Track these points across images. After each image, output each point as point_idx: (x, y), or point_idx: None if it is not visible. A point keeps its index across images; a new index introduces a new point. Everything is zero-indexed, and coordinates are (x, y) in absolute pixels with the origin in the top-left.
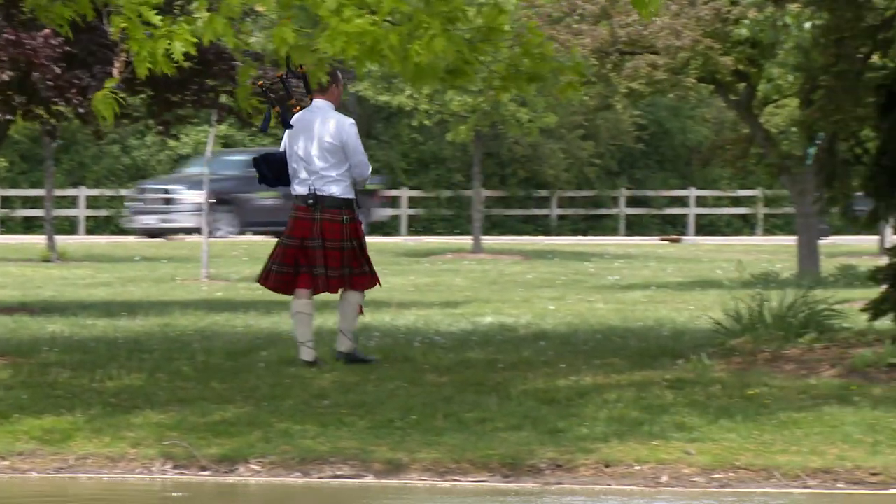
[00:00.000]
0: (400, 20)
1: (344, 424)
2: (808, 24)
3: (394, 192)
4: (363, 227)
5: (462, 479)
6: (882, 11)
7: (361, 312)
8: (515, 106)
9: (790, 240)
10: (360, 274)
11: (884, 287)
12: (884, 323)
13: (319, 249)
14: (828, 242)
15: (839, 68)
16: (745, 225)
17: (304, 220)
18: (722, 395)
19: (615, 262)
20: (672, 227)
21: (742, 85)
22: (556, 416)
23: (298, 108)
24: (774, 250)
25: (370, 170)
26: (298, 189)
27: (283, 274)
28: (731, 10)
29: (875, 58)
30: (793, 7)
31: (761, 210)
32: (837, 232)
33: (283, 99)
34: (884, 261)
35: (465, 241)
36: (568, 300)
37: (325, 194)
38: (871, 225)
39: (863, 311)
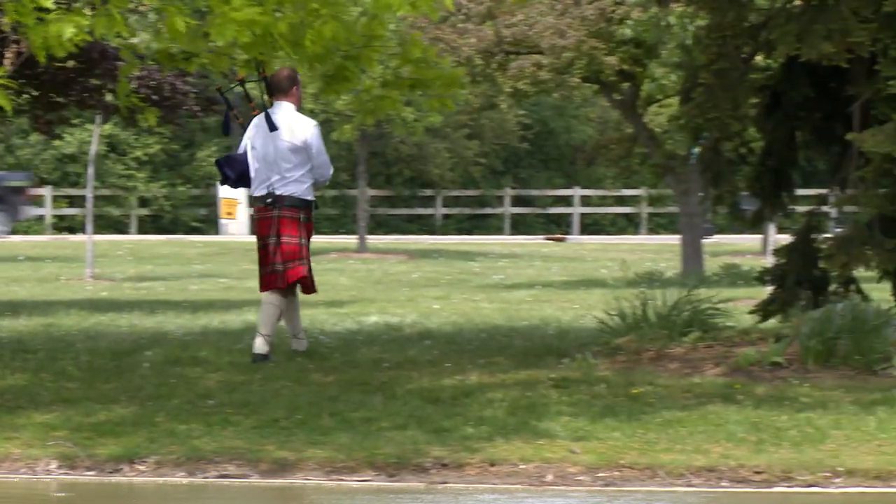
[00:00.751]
0: (290, 9)
1: (230, 424)
2: (691, 27)
3: None
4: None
5: (348, 478)
6: (765, 11)
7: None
8: (400, 105)
9: (674, 239)
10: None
11: (771, 288)
12: (767, 322)
13: (275, 245)
14: (711, 241)
15: (719, 66)
16: (629, 224)
17: (265, 220)
18: (607, 394)
19: (500, 262)
20: (557, 226)
21: (626, 84)
22: (441, 416)
23: (256, 111)
24: (658, 249)
25: (332, 171)
26: (258, 190)
27: (264, 275)
28: (616, 10)
29: (759, 58)
30: (676, 7)
31: (645, 209)
32: (721, 231)
33: (228, 104)
34: (769, 260)
35: (350, 240)
36: (453, 299)
37: (284, 194)
38: (756, 224)
39: (751, 312)
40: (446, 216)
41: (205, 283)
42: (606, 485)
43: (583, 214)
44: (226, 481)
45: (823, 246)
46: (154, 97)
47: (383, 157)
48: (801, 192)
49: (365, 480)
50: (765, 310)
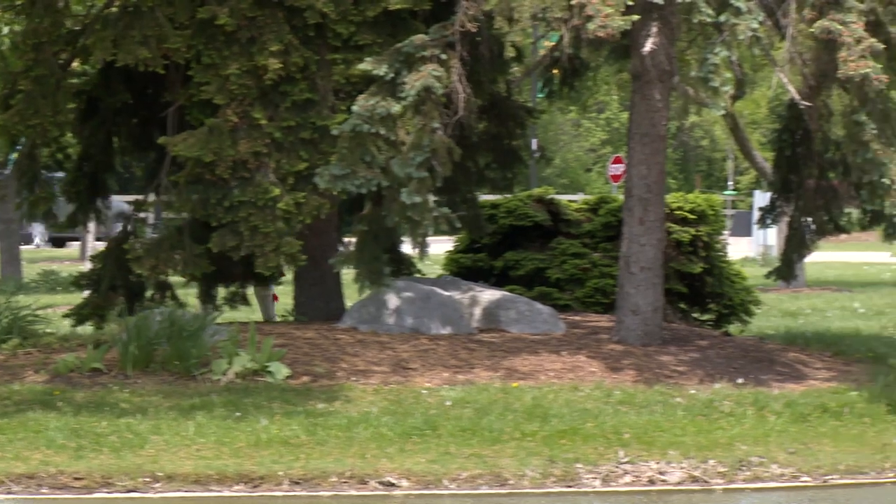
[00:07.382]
0: None
1: None
2: (6, 29)
3: None
4: None
5: None
6: (82, 18)
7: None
8: None
9: None
10: None
11: (87, 293)
12: (87, 328)
13: None
14: (30, 248)
15: (37, 73)
16: None
17: None
18: None
19: None
20: None
21: None
22: None
23: None
24: None
25: None
26: None
27: None
28: None
29: (76, 64)
30: None
31: None
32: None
33: None
34: (87, 266)
35: None
36: None
37: None
38: (72, 227)
39: (66, 316)
40: None
41: None
42: None
43: None
44: None
45: (134, 249)
46: None
47: None
48: (121, 197)
49: None
50: (79, 314)
